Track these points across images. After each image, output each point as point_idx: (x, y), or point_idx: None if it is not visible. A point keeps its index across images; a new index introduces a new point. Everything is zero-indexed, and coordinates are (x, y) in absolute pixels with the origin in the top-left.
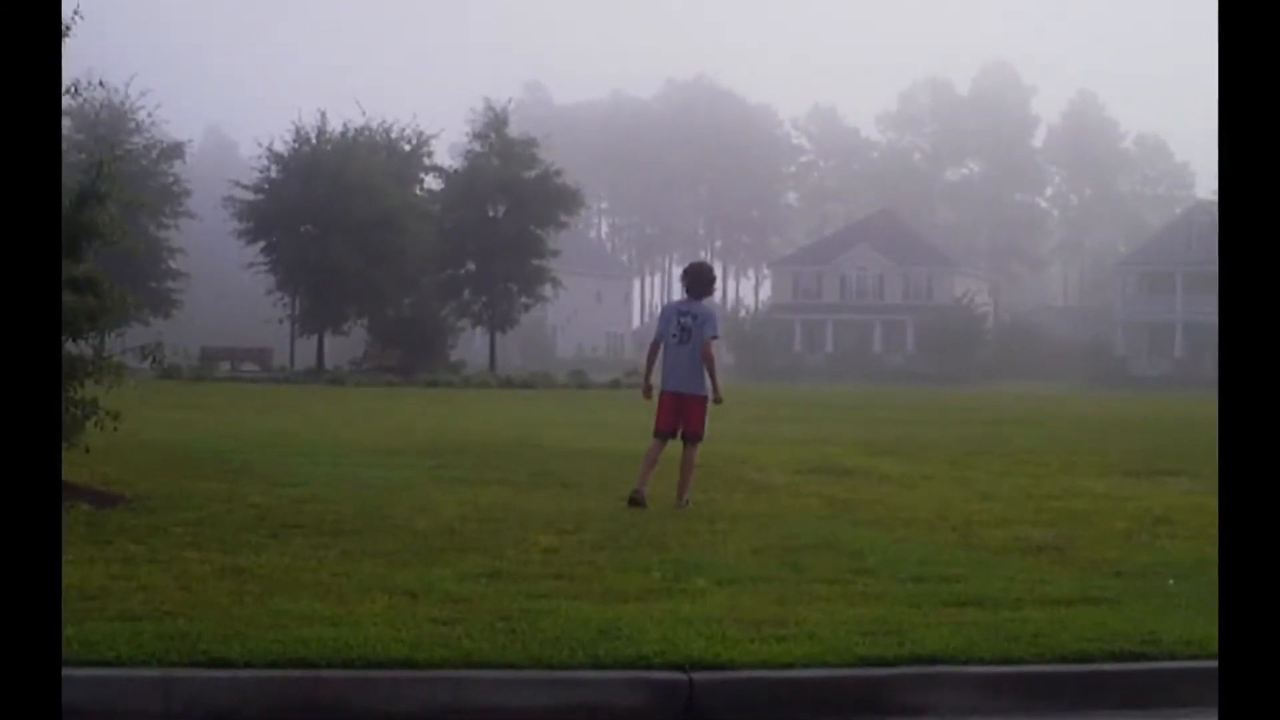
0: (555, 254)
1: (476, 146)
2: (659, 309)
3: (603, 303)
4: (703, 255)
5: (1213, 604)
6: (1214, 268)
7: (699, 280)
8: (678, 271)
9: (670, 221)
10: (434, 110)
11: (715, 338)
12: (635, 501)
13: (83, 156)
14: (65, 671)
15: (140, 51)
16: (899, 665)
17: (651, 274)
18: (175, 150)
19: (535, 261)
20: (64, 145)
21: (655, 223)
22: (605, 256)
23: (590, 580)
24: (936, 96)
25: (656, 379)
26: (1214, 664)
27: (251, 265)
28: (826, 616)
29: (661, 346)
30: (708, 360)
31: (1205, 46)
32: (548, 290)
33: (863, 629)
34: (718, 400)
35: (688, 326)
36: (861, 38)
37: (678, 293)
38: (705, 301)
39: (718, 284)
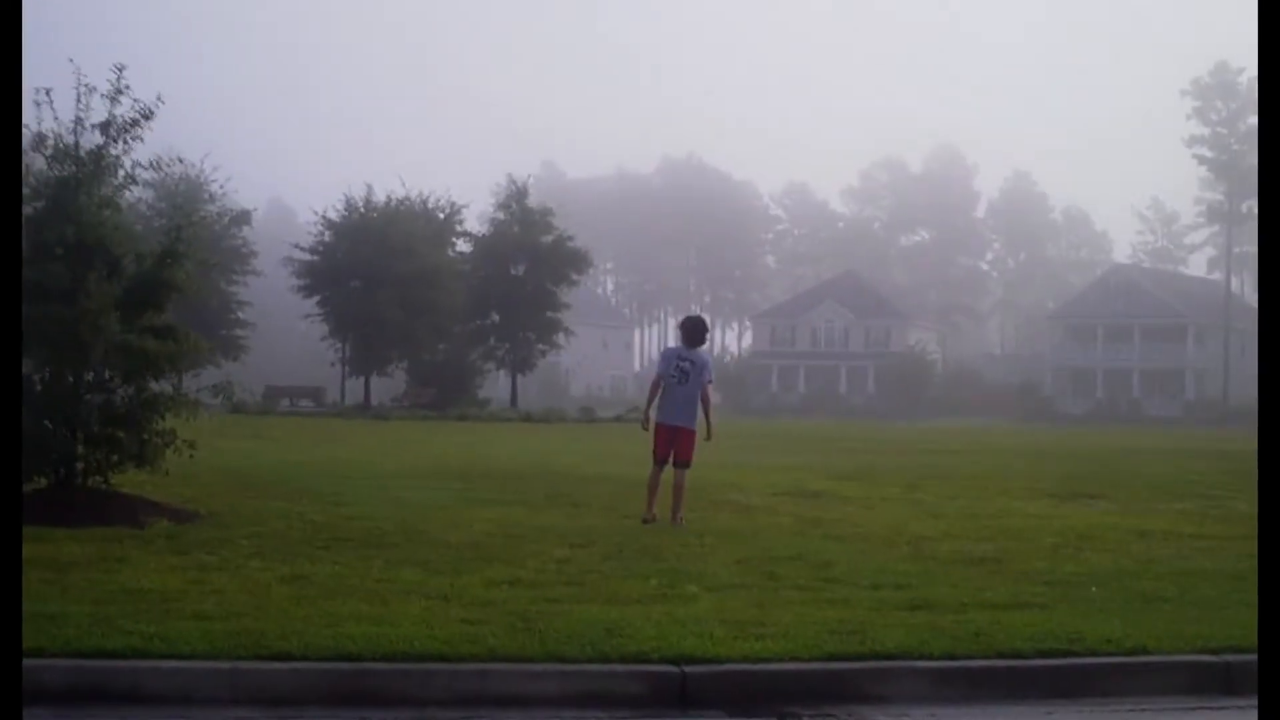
0: (567, 307)
1: (500, 215)
2: (657, 354)
3: (608, 349)
4: (693, 309)
5: (1127, 607)
6: (1129, 321)
7: (695, 331)
8: (673, 323)
9: (665, 280)
10: (464, 184)
11: (710, 382)
12: (647, 521)
13: (164, 223)
14: (148, 663)
15: (213, 132)
16: (861, 660)
17: (649, 325)
18: (243, 217)
19: (550, 314)
20: (147, 212)
21: (653, 281)
22: (610, 309)
23: (598, 587)
24: (892, 174)
25: (653, 412)
26: (1129, 659)
27: (308, 316)
28: (798, 618)
29: (662, 385)
30: (705, 401)
31: (1125, 133)
32: (561, 338)
33: (830, 629)
34: (708, 437)
35: (686, 370)
36: (828, 125)
37: (673, 341)
38: (700, 349)
39: (710, 334)
